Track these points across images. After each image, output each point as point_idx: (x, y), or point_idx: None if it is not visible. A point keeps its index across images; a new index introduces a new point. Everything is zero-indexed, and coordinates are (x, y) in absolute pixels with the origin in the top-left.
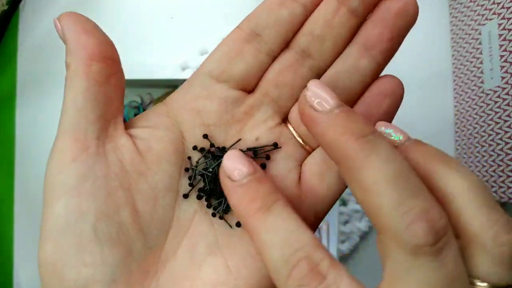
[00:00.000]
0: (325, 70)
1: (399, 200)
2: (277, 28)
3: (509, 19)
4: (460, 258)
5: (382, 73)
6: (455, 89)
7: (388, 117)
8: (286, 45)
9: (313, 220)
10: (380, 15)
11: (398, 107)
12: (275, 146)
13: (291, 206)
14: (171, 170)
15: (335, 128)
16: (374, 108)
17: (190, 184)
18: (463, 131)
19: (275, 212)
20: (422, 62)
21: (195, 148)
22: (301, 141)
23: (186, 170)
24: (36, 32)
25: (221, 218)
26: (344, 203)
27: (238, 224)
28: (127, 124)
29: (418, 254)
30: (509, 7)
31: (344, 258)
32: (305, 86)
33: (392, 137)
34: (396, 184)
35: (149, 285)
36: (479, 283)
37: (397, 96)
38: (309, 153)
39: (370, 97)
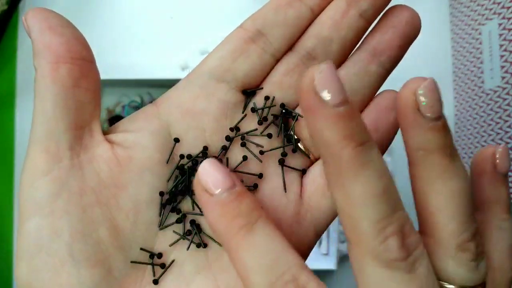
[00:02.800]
0: None
1: (381, 216)
2: (284, 28)
3: (509, 19)
4: (431, 270)
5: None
6: (455, 88)
7: (395, 129)
8: (289, 47)
9: (312, 237)
10: (390, 22)
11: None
12: (260, 176)
13: (273, 223)
14: (154, 182)
15: (337, 128)
16: (382, 121)
17: (161, 193)
18: (463, 130)
19: (258, 231)
20: (423, 61)
21: (182, 157)
22: (303, 149)
23: (161, 194)
24: None
25: (204, 246)
26: None
27: None
28: (111, 129)
29: (392, 268)
30: (509, 7)
31: (344, 258)
32: None
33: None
34: (382, 199)
35: None
36: (447, 285)
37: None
38: (312, 163)
39: (377, 109)
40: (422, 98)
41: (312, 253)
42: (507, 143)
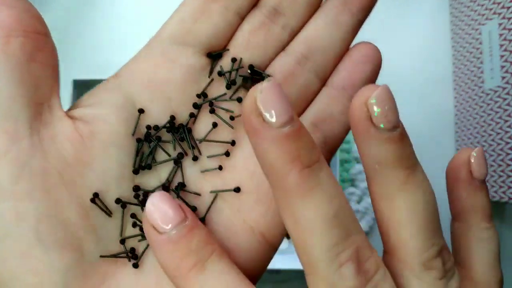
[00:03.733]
0: (300, 29)
1: (333, 242)
2: None
3: (509, 18)
4: None
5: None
6: (455, 88)
7: (371, 83)
8: (254, 3)
9: None
10: None
11: (378, 75)
12: (233, 143)
13: (227, 256)
14: (121, 157)
15: (282, 151)
16: (357, 74)
17: (136, 188)
18: (463, 131)
19: (211, 268)
20: (423, 62)
21: (148, 128)
22: None
23: (135, 171)
24: None
25: None
26: None
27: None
28: (74, 105)
29: None
30: (510, 7)
31: None
32: (279, 48)
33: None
34: (333, 224)
35: None
36: None
37: (377, 63)
38: None
39: (352, 62)
40: (374, 108)
41: None
42: (507, 143)
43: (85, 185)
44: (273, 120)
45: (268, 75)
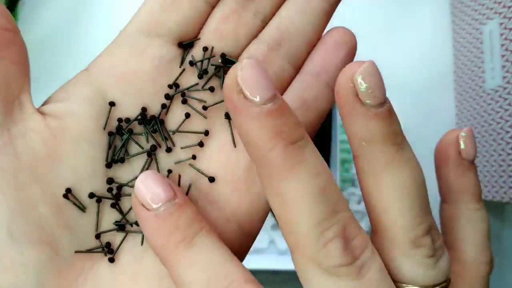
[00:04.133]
0: (272, 16)
1: (319, 218)
2: None
3: (510, 18)
4: (384, 273)
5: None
6: (456, 88)
7: None
8: None
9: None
10: None
11: (353, 59)
12: (206, 133)
13: (216, 234)
14: (92, 152)
15: (265, 127)
16: (331, 59)
17: (110, 180)
18: None
19: (199, 244)
20: (423, 61)
21: (120, 121)
22: None
23: (108, 165)
24: (34, 30)
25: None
26: None
27: None
28: (45, 101)
29: (336, 274)
30: (511, 6)
31: None
32: (252, 35)
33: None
34: (319, 200)
35: (84, 284)
36: (405, 287)
37: (351, 47)
38: None
39: (325, 47)
40: (360, 83)
41: None
42: (508, 143)
43: (58, 181)
44: (256, 98)
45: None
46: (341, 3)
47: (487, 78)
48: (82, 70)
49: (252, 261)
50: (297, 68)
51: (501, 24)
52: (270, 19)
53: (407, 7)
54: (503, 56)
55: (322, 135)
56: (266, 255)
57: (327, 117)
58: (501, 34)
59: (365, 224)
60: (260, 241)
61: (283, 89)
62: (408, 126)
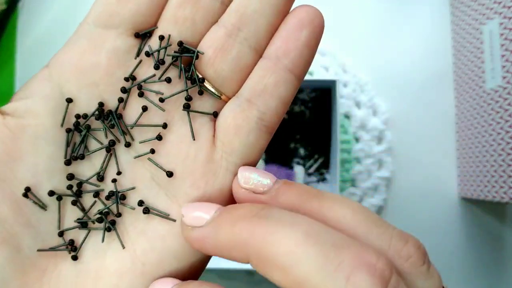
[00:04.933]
0: None
1: (323, 259)
2: None
3: (510, 18)
4: None
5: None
6: (456, 88)
7: (309, 50)
8: None
9: (230, 185)
10: None
11: (319, 39)
12: (164, 126)
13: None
14: (51, 150)
15: (224, 229)
16: (292, 42)
17: (70, 177)
18: (464, 130)
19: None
20: (423, 61)
21: (78, 117)
22: (212, 90)
23: (67, 162)
24: (34, 32)
25: (118, 216)
26: None
27: (146, 210)
28: (10, 100)
29: None
30: (511, 6)
31: None
32: (211, 21)
33: (260, 181)
34: (310, 243)
35: (49, 282)
36: None
37: (316, 27)
38: (224, 103)
39: (286, 29)
40: (252, 181)
41: None
42: (508, 143)
43: (17, 180)
44: (203, 222)
45: (199, 52)
46: (341, 3)
47: (487, 78)
48: (44, 66)
49: None
50: (260, 53)
51: (501, 24)
52: (231, 2)
53: (407, 7)
54: (503, 56)
55: (322, 135)
56: None
57: (327, 117)
58: (501, 34)
59: None
60: None
61: (245, 76)
62: (408, 126)
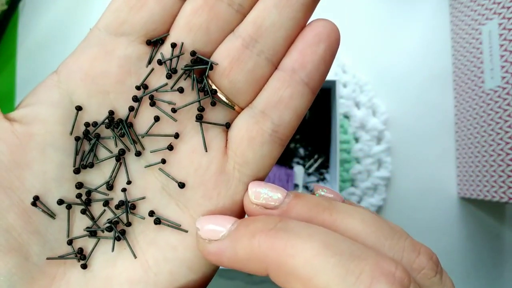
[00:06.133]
0: (250, 8)
1: (343, 269)
2: None
3: (509, 18)
4: None
5: (378, 70)
6: (455, 88)
7: (325, 64)
8: None
9: (242, 196)
10: None
11: (335, 54)
12: (176, 137)
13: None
14: (59, 158)
15: (242, 242)
16: (309, 55)
17: (79, 185)
18: (463, 131)
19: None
20: (422, 61)
21: (87, 125)
22: (225, 100)
23: (76, 171)
24: (35, 32)
25: (128, 225)
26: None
27: (157, 220)
28: (17, 106)
29: None
30: (510, 7)
31: None
32: (227, 29)
33: (270, 196)
34: (329, 253)
35: None
36: None
37: (333, 42)
38: (237, 114)
39: (303, 42)
40: (263, 196)
41: None
42: (507, 143)
43: (25, 188)
44: (219, 236)
45: (213, 62)
46: (341, 4)
47: (486, 79)
48: (52, 72)
49: None
50: (275, 64)
51: (500, 24)
52: (248, 9)
53: (406, 7)
54: (502, 56)
55: (322, 135)
56: None
57: (326, 117)
58: (500, 35)
59: None
60: None
61: (260, 87)
62: (407, 126)
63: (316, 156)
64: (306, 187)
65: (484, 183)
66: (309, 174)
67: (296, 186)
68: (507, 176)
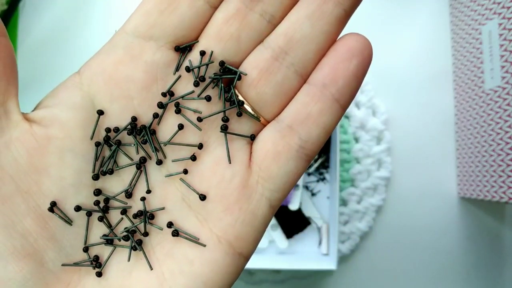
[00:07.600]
0: (281, 19)
1: None
2: None
3: (509, 18)
4: None
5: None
6: (455, 88)
7: (357, 81)
8: None
9: (267, 211)
10: None
11: (367, 71)
12: (200, 147)
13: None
14: (78, 164)
15: None
16: (341, 71)
17: (98, 192)
18: (463, 131)
19: None
20: (423, 61)
21: (108, 131)
22: (251, 111)
23: (95, 177)
24: (35, 32)
25: (146, 235)
26: (344, 203)
27: (175, 233)
28: (36, 106)
29: None
30: (510, 7)
31: (344, 258)
32: (257, 39)
33: None
34: None
35: None
36: None
37: (365, 57)
38: (263, 126)
39: (335, 57)
40: None
41: (312, 253)
42: (507, 143)
43: (42, 193)
44: None
45: (242, 73)
46: None
47: (486, 79)
48: (74, 73)
49: (252, 261)
50: (304, 78)
51: (500, 24)
52: (279, 20)
53: (406, 8)
54: (502, 56)
55: None
56: (266, 254)
57: None
58: (500, 35)
59: (365, 224)
60: (260, 241)
61: (287, 101)
62: (407, 126)
63: (316, 156)
64: (306, 187)
65: (484, 183)
66: (309, 174)
67: (296, 186)
68: (507, 176)
